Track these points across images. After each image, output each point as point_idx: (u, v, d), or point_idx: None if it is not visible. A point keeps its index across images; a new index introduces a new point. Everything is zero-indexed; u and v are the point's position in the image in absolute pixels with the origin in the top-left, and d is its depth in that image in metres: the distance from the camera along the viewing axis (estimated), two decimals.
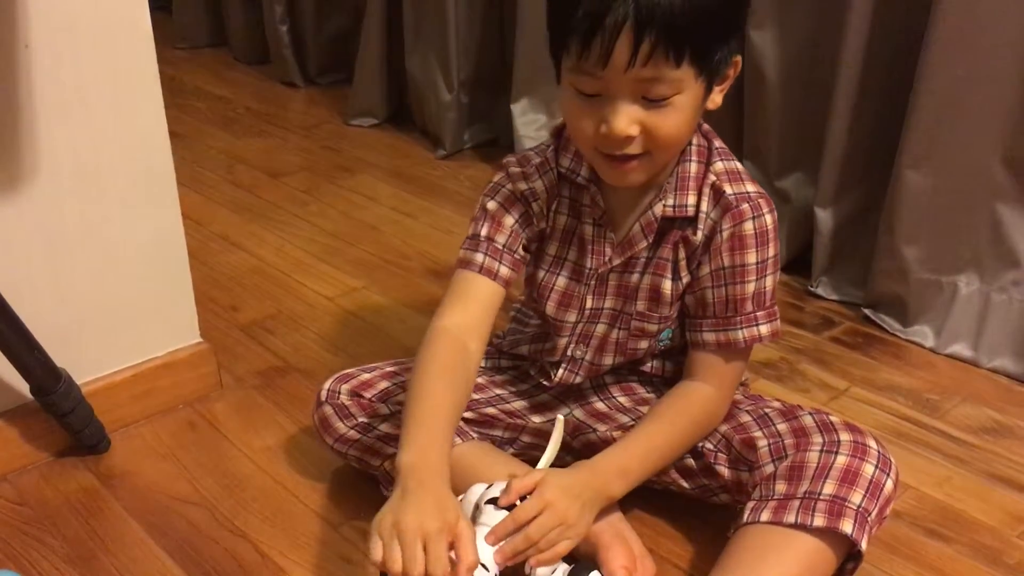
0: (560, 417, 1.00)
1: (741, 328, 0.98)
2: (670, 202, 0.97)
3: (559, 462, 0.98)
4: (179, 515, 1.10)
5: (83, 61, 1.09)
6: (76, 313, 1.18)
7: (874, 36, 1.42)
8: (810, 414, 0.99)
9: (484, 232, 1.01)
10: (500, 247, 1.01)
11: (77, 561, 1.03)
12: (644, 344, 1.04)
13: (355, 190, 2.05)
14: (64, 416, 1.13)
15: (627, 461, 0.96)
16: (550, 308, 1.05)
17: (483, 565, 0.86)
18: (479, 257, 1.00)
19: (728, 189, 0.97)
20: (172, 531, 1.07)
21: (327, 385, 1.09)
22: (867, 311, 1.53)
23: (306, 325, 1.52)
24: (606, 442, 1.07)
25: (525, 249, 1.03)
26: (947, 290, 1.44)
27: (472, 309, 0.99)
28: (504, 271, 1.01)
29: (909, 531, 1.08)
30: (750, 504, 0.94)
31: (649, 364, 1.08)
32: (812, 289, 1.60)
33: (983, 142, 1.35)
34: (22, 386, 1.12)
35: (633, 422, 1.06)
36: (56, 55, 1.06)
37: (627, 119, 0.86)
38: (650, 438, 0.98)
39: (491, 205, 1.03)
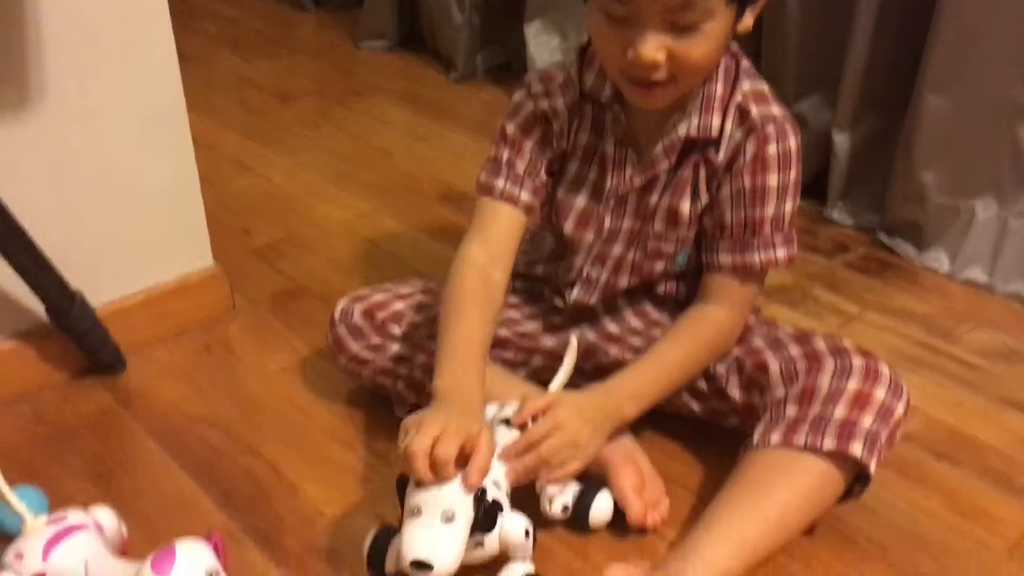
0: (573, 340, 1.00)
1: (758, 251, 0.97)
2: (694, 123, 0.96)
3: (571, 385, 0.99)
4: (196, 435, 1.11)
5: None
6: (88, 236, 1.18)
7: None
8: (823, 339, 0.99)
9: (505, 156, 1.02)
10: (521, 173, 1.01)
11: (96, 478, 1.05)
12: (660, 266, 1.04)
13: (367, 114, 2.03)
14: (80, 337, 1.15)
15: (640, 384, 0.97)
16: (568, 227, 1.04)
17: (495, 482, 0.87)
18: (500, 183, 1.01)
19: (754, 110, 0.95)
20: (189, 450, 1.09)
21: (341, 305, 1.10)
22: (882, 236, 1.52)
23: (318, 249, 1.52)
24: (618, 364, 1.07)
25: (547, 173, 1.03)
26: (964, 215, 1.42)
27: (495, 238, 1.01)
28: (525, 197, 1.01)
29: (918, 454, 1.09)
30: (760, 427, 0.94)
31: (663, 286, 1.08)
32: (827, 214, 1.59)
33: (1006, 65, 1.32)
34: (37, 307, 1.13)
35: (645, 345, 1.06)
36: None
37: (655, 46, 0.85)
38: (663, 361, 0.99)
39: (511, 128, 1.02)
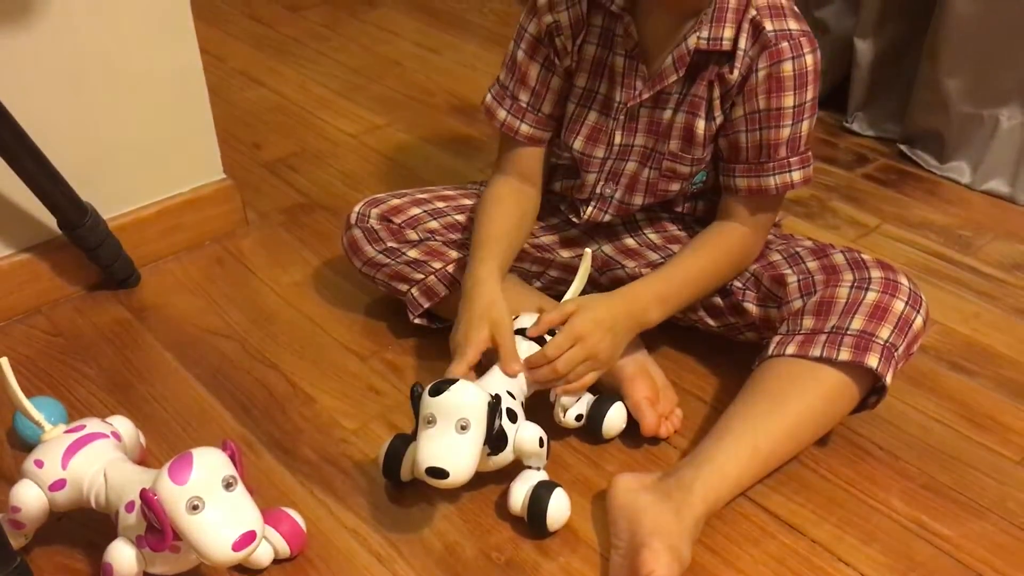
0: (587, 251, 0.99)
1: (774, 174, 0.96)
2: (704, 34, 0.92)
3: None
4: (210, 346, 1.12)
5: None
6: (98, 149, 1.17)
7: None
8: (841, 252, 0.98)
9: (511, 84, 1.03)
10: (524, 105, 1.02)
11: (113, 389, 1.06)
12: (675, 186, 1.02)
13: (377, 24, 1.99)
14: (93, 250, 1.14)
15: (666, 288, 0.96)
16: (578, 143, 1.02)
17: (510, 393, 0.87)
18: (501, 113, 1.03)
19: (768, 25, 0.91)
20: (204, 361, 1.10)
21: (357, 208, 1.09)
22: (903, 147, 1.49)
23: (330, 162, 1.50)
24: (633, 278, 1.06)
25: (556, 100, 1.02)
26: (988, 124, 1.39)
27: (515, 162, 1.05)
28: (525, 129, 1.03)
29: (933, 365, 1.08)
30: (776, 338, 0.94)
31: (682, 205, 1.06)
32: (847, 125, 1.56)
33: None
34: (50, 220, 1.12)
35: (662, 260, 1.06)
36: None
37: None
38: (687, 269, 0.98)
39: (519, 55, 1.02)
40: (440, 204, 1.10)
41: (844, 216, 1.36)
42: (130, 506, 0.77)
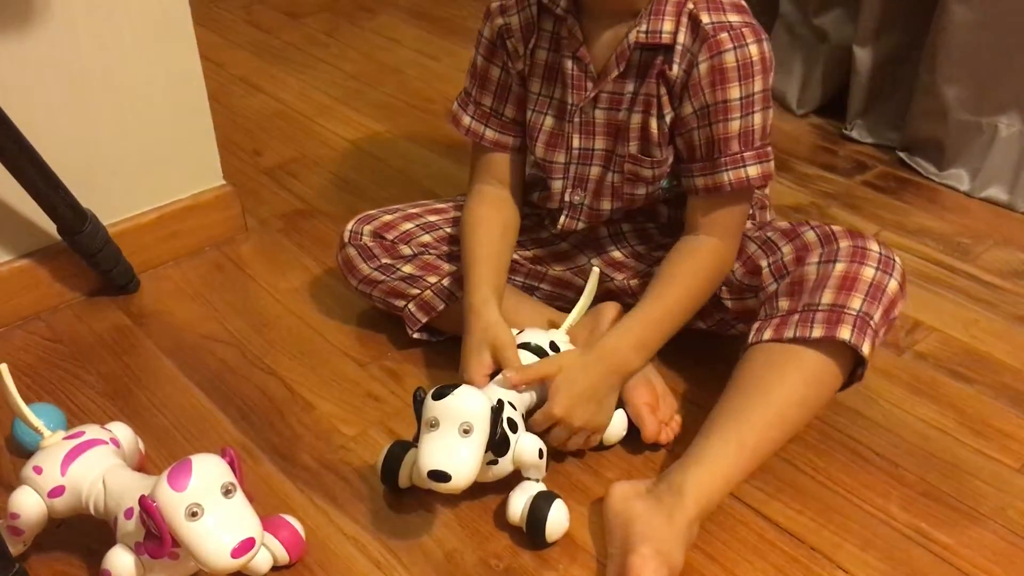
0: (595, 269, 0.99)
1: (727, 170, 0.93)
2: (643, 28, 0.91)
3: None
4: (210, 352, 1.12)
5: None
6: (98, 155, 1.17)
7: None
8: (812, 228, 0.97)
9: (473, 90, 1.04)
10: (487, 110, 1.04)
11: (113, 395, 1.06)
12: (641, 190, 1.00)
13: (377, 31, 1.99)
14: (92, 256, 1.14)
15: (643, 332, 0.94)
16: (539, 149, 1.02)
17: (510, 403, 0.87)
18: (465, 119, 1.05)
19: (706, 18, 0.90)
20: (203, 368, 1.10)
21: (350, 226, 1.09)
22: (902, 154, 1.49)
23: (329, 169, 1.50)
24: (624, 291, 1.07)
25: (518, 99, 1.02)
26: (987, 132, 1.39)
27: (489, 169, 1.06)
28: (490, 134, 1.04)
29: (933, 372, 1.08)
30: (755, 324, 0.93)
31: (666, 213, 1.06)
32: (846, 132, 1.56)
33: None
34: (49, 226, 1.13)
35: (649, 269, 1.05)
36: None
37: None
38: (665, 304, 0.95)
39: (478, 60, 1.03)
40: (432, 217, 1.10)
41: (843, 223, 1.35)
42: (129, 512, 0.77)
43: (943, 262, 1.27)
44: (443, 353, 1.10)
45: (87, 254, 1.14)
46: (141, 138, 1.20)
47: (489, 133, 1.04)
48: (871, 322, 0.88)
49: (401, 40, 1.96)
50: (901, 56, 1.50)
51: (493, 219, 1.03)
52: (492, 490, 0.91)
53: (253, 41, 1.95)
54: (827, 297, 0.89)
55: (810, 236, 0.96)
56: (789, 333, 0.89)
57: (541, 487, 0.88)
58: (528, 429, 0.89)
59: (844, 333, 0.87)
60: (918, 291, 1.20)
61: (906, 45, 1.49)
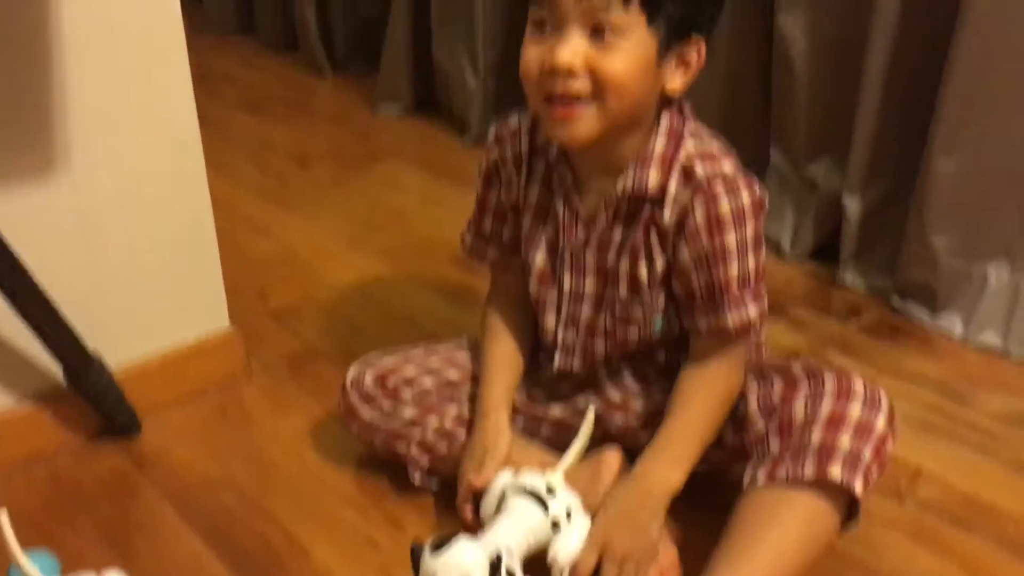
0: (591, 407, 1.00)
1: (729, 312, 0.95)
2: (630, 179, 0.95)
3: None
4: (210, 497, 1.12)
5: (116, 47, 1.10)
6: (108, 298, 1.20)
7: (904, 20, 1.41)
8: (800, 363, 0.98)
9: (477, 214, 1.10)
10: (487, 232, 1.09)
11: (111, 541, 1.05)
12: (634, 332, 1.02)
13: (382, 177, 2.06)
14: (96, 399, 1.16)
15: (676, 449, 0.96)
16: (532, 285, 1.05)
17: (507, 549, 0.87)
18: (468, 239, 1.12)
19: (700, 170, 0.93)
20: (203, 513, 1.09)
21: (352, 372, 1.10)
22: (895, 300, 1.52)
23: (334, 311, 1.53)
24: (624, 430, 1.07)
25: (514, 224, 1.07)
26: (976, 278, 1.42)
27: (500, 286, 1.13)
28: (492, 253, 1.10)
29: (935, 520, 1.08)
30: (748, 468, 0.93)
31: (663, 356, 1.08)
32: (840, 277, 1.59)
33: (1014, 128, 1.33)
34: (55, 370, 1.14)
35: (647, 408, 1.06)
36: (90, 43, 1.08)
37: (570, 50, 0.86)
38: (688, 419, 0.97)
39: (480, 187, 1.09)
40: (434, 360, 1.11)
41: (840, 368, 1.37)
42: None
43: (942, 408, 1.28)
44: (444, 498, 1.09)
45: (91, 397, 1.15)
46: (150, 282, 1.23)
47: (492, 253, 1.10)
48: (861, 461, 0.88)
49: (406, 186, 2.02)
50: (890, 204, 1.55)
51: (507, 332, 1.09)
52: None
53: (262, 185, 2.01)
54: (816, 437, 0.90)
55: (797, 370, 0.98)
56: (782, 474, 0.89)
57: None
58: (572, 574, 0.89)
59: (835, 473, 0.87)
60: (918, 437, 1.21)
61: (894, 194, 1.54)
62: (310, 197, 1.96)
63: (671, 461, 0.95)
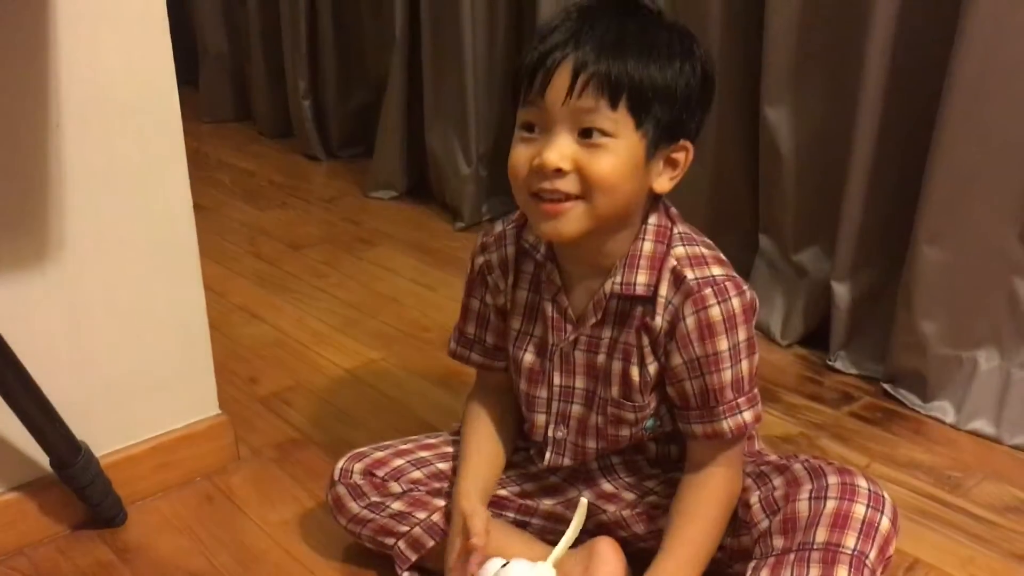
0: (583, 500, 0.99)
1: (725, 418, 0.96)
2: (618, 279, 0.95)
3: (575, 542, 0.98)
4: None
5: (112, 136, 1.12)
6: (97, 385, 1.19)
7: (888, 112, 1.44)
8: (801, 462, 0.98)
9: (460, 319, 1.12)
10: (471, 337, 1.10)
11: None
12: (625, 432, 1.02)
13: (375, 262, 2.07)
14: (82, 489, 1.14)
15: (684, 568, 0.95)
16: (523, 384, 1.05)
17: None
18: (452, 344, 1.13)
19: (690, 274, 0.93)
20: None
21: (340, 464, 1.09)
22: (886, 386, 1.52)
23: (325, 397, 1.52)
24: (617, 523, 1.06)
25: (497, 330, 1.08)
26: (967, 365, 1.43)
27: (484, 383, 1.13)
28: (475, 358, 1.11)
29: None
30: (751, 564, 0.93)
31: (655, 449, 1.07)
32: (830, 363, 1.60)
33: (999, 217, 1.35)
34: (41, 459, 1.13)
35: (639, 497, 1.06)
36: (85, 131, 1.09)
37: (558, 152, 0.88)
38: (692, 541, 0.96)
39: (465, 294, 1.11)
40: (423, 453, 1.11)
41: (833, 455, 1.36)
42: None
43: (936, 496, 1.27)
44: None
45: (77, 487, 1.13)
46: (140, 369, 1.23)
47: (475, 357, 1.11)
48: (867, 561, 0.88)
49: (398, 270, 2.03)
50: (878, 291, 1.56)
51: (486, 417, 1.10)
52: None
53: (255, 271, 2.02)
54: (821, 536, 0.89)
55: (799, 469, 0.97)
56: (787, 573, 0.88)
57: None
58: None
59: (841, 573, 0.86)
60: (913, 526, 1.20)
61: (882, 281, 1.55)
62: (303, 282, 1.97)
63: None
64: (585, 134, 0.88)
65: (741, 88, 1.65)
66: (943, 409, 1.45)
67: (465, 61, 2.13)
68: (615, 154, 0.88)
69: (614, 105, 0.86)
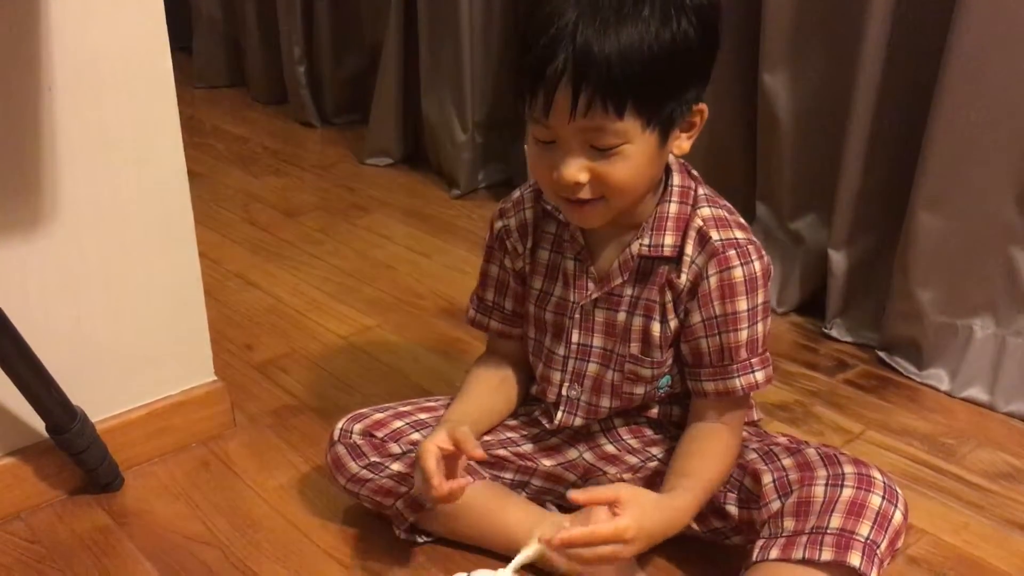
0: (535, 538, 0.95)
1: (738, 376, 0.98)
2: (646, 241, 0.97)
3: (564, 509, 0.98)
4: (192, 555, 1.10)
5: (104, 101, 1.11)
6: (93, 351, 1.19)
7: (887, 78, 1.43)
8: (814, 448, 1.00)
9: (479, 285, 1.12)
10: (490, 303, 1.11)
11: None
12: (640, 389, 1.04)
13: (370, 229, 2.06)
14: (79, 454, 1.14)
15: (695, 503, 0.96)
16: (544, 340, 1.06)
17: None
18: (471, 312, 1.14)
19: (715, 235, 0.96)
20: (184, 571, 1.07)
21: (340, 425, 1.10)
22: (881, 354, 1.52)
23: (320, 364, 1.52)
24: (616, 482, 1.06)
25: (516, 295, 1.08)
26: (962, 333, 1.43)
27: (495, 349, 1.14)
28: (494, 325, 1.11)
29: None
30: (759, 542, 0.94)
31: (657, 409, 1.08)
32: (826, 331, 1.60)
33: (997, 184, 1.35)
34: (38, 424, 1.13)
35: (642, 463, 1.07)
36: (78, 96, 1.08)
37: (575, 168, 0.89)
38: (703, 477, 0.97)
39: (483, 260, 1.11)
40: (422, 415, 1.11)
41: (828, 422, 1.37)
42: None
43: (929, 463, 1.28)
44: (430, 555, 1.08)
45: (73, 452, 1.14)
46: (136, 335, 1.22)
47: (493, 324, 1.11)
48: (878, 550, 0.89)
49: (393, 237, 2.02)
50: (875, 259, 1.56)
51: (490, 376, 1.11)
52: None
53: (250, 238, 2.01)
54: (835, 521, 0.90)
55: (812, 454, 0.99)
56: (798, 555, 0.89)
57: None
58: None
59: (854, 559, 0.88)
60: (907, 493, 1.18)
61: (879, 249, 1.55)
62: (297, 249, 1.96)
63: (689, 511, 0.96)
64: (597, 147, 0.88)
65: (739, 54, 1.64)
66: (938, 377, 1.45)
67: (461, 27, 2.11)
68: (629, 158, 0.89)
69: (620, 115, 0.86)
